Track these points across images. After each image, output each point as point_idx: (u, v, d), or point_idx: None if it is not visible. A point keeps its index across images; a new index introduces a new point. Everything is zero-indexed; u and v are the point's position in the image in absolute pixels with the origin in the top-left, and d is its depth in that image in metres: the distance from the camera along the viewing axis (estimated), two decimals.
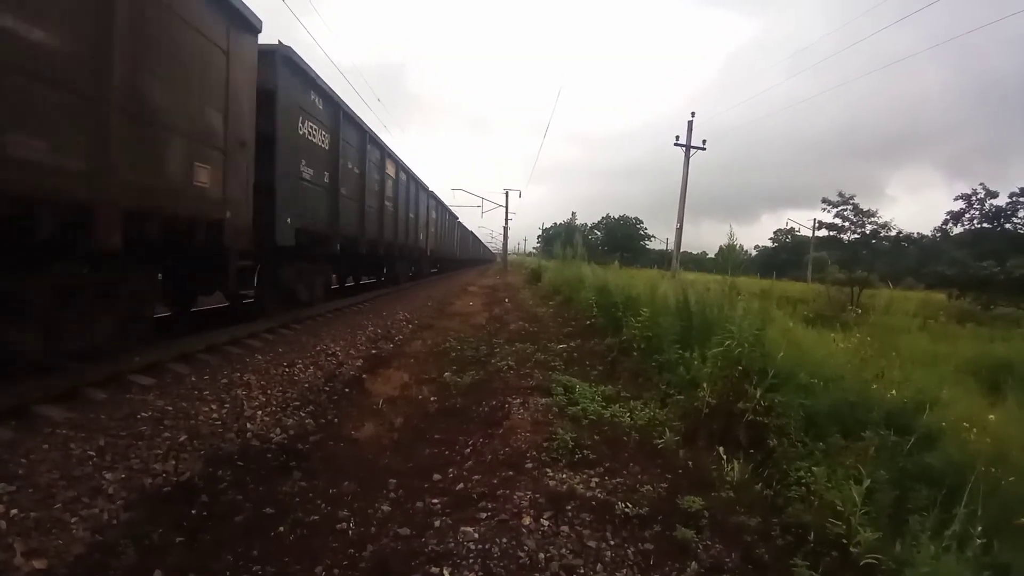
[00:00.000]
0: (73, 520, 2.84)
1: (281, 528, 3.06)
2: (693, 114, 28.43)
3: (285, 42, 7.82)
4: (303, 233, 8.68)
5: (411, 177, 18.38)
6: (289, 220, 8.15)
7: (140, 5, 4.78)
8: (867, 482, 3.05)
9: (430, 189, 22.91)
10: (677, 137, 28.24)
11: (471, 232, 58.41)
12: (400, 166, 16.41)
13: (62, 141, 4.05)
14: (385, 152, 14.44)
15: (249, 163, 6.97)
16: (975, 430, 3.23)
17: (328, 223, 10.08)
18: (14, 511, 2.78)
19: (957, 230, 35.52)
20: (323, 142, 9.65)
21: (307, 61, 8.48)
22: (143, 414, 4.21)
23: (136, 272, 5.62)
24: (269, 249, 7.88)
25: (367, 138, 12.30)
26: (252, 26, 6.83)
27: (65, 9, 4.04)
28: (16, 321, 4.25)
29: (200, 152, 5.87)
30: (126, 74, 4.63)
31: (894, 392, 3.95)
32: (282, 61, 7.89)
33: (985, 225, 33.12)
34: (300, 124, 8.58)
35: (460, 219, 42.13)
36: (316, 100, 9.28)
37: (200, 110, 5.87)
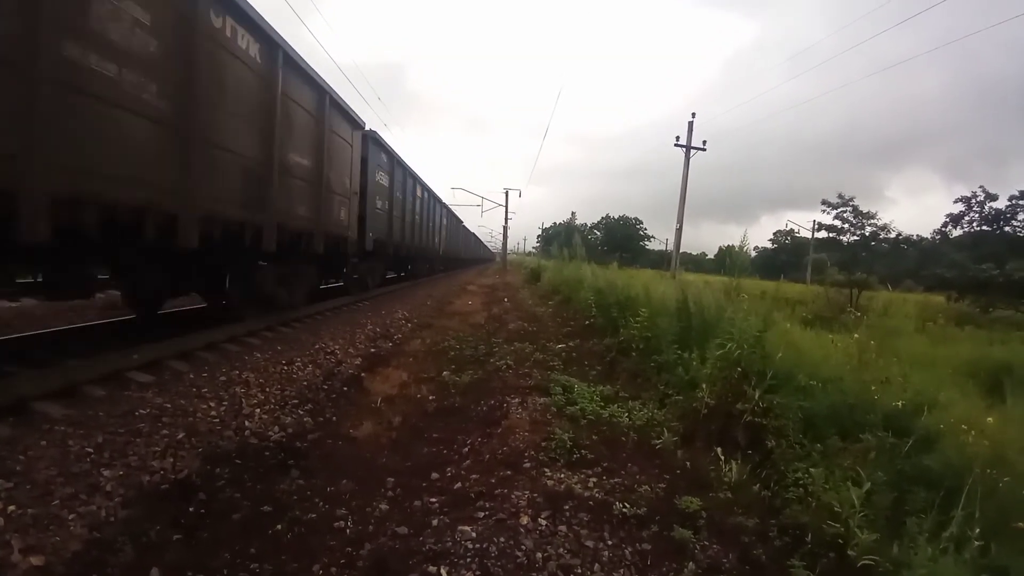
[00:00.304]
0: (71, 517, 2.83)
1: (279, 526, 3.06)
2: (694, 115, 28.45)
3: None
4: (376, 242, 13.30)
5: (431, 194, 22.90)
6: (371, 235, 12.76)
7: (329, 136, 9.28)
8: (867, 485, 3.06)
9: (443, 200, 27.81)
10: (677, 138, 28.28)
11: (472, 232, 58.43)
12: (424, 187, 20.66)
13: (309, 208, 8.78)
14: (416, 180, 18.91)
15: (356, 204, 11.43)
16: (973, 432, 3.23)
17: (386, 235, 14.51)
18: (12, 508, 2.77)
19: (956, 232, 35.42)
20: (385, 182, 14.21)
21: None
22: (141, 411, 4.20)
23: (311, 265, 10.09)
24: (359, 254, 12.31)
25: (406, 173, 16.88)
26: (360, 125, 11.53)
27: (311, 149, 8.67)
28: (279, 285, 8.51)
29: (342, 201, 10.39)
30: (324, 171, 9.15)
31: (893, 394, 3.96)
32: (371, 140, 12.77)
33: (984, 228, 33.05)
34: (376, 175, 13.26)
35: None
36: (383, 157, 14.11)
37: (341, 179, 10.33)
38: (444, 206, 29.19)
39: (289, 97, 7.60)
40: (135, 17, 4.47)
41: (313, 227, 8.82)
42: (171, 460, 3.62)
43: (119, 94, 4.35)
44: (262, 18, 6.43)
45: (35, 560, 2.49)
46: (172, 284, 7.23)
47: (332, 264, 11.88)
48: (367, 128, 12.32)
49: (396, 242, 15.66)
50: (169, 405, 4.43)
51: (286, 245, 7.87)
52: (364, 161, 12.00)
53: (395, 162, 15.36)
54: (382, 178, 13.98)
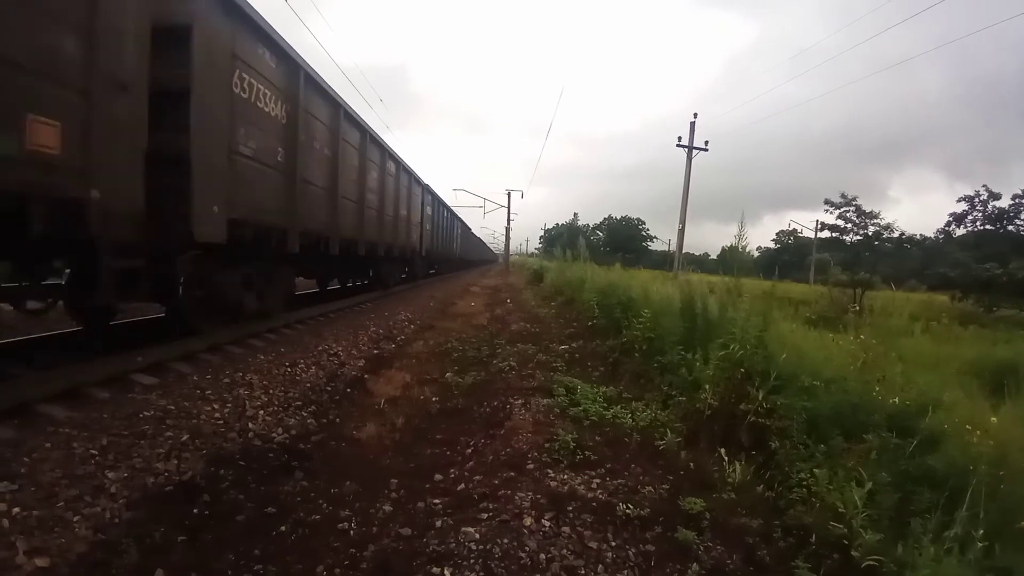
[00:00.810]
0: (76, 519, 2.85)
1: (283, 527, 3.07)
2: (696, 115, 28.39)
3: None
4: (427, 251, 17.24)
5: (451, 212, 21.35)
6: (425, 249, 18.12)
7: (409, 190, 16.09)
8: (868, 485, 3.05)
9: (425, 182, 20.49)
10: (680, 138, 28.25)
11: (473, 232, 58.42)
12: (447, 208, 20.96)
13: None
14: (442, 203, 18.61)
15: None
16: (977, 432, 3.22)
17: (430, 246, 20.11)
18: (16, 509, 2.78)
19: (960, 232, 35.36)
20: (430, 213, 20.26)
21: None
22: (146, 413, 4.22)
23: (393, 264, 16.71)
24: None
25: (438, 202, 20.22)
26: (422, 183, 18.30)
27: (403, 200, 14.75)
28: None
29: (415, 229, 17.88)
30: (396, 210, 14.58)
31: (896, 394, 3.95)
32: (425, 188, 19.43)
33: (988, 227, 32.97)
34: (426, 210, 18.77)
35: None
36: (430, 197, 19.97)
37: (413, 211, 16.97)
38: (428, 190, 22.05)
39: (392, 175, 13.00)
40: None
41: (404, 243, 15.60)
42: (175, 462, 3.64)
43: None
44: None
45: (40, 562, 2.50)
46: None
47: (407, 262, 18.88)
48: (424, 182, 18.62)
49: (430, 250, 20.04)
50: (173, 407, 4.44)
51: (404, 256, 16.36)
52: (423, 203, 18.63)
53: (436, 200, 20.52)
54: (428, 210, 19.31)
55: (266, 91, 7.07)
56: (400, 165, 15.56)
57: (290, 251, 8.05)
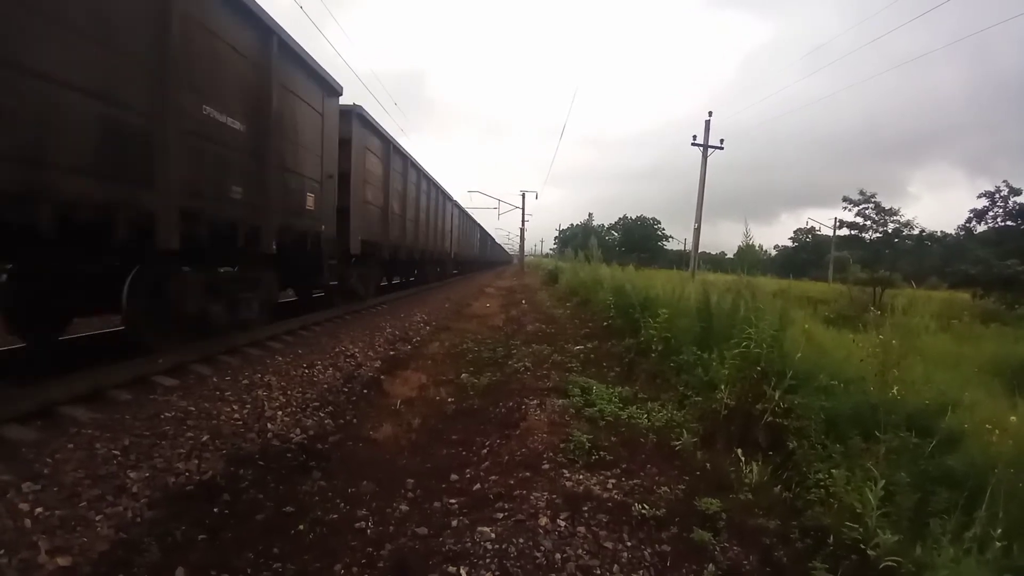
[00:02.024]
0: (98, 518, 2.90)
1: (301, 527, 3.10)
2: (711, 113, 28.20)
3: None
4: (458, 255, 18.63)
5: (441, 191, 22.09)
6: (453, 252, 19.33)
7: (441, 207, 20.51)
8: (881, 482, 3.03)
9: (454, 199, 25.90)
10: (695, 137, 28.08)
11: (489, 235, 58.55)
12: (433, 183, 19.77)
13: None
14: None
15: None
16: (997, 432, 3.18)
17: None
18: (39, 509, 2.84)
19: (981, 228, 34.73)
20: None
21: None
22: (167, 414, 4.28)
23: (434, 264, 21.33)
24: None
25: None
26: (451, 197, 21.95)
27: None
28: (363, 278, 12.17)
29: (447, 237, 21.98)
30: (437, 223, 19.81)
31: (916, 394, 3.91)
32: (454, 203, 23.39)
33: (1009, 223, 32.38)
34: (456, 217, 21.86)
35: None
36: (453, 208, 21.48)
37: (446, 222, 21.75)
38: (456, 204, 27.53)
39: (435, 199, 15.93)
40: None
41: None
42: (196, 462, 3.69)
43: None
44: None
45: (62, 561, 2.54)
46: None
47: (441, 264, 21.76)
48: (454, 198, 17.12)
49: (457, 253, 18.85)
50: (193, 408, 4.50)
51: (440, 259, 17.27)
52: (452, 215, 17.02)
53: (461, 211, 18.16)
54: (456, 221, 17.60)
55: (374, 160, 12.21)
56: (439, 189, 21.03)
57: (382, 257, 13.16)
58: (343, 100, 9.74)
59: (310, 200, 8.37)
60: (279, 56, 6.98)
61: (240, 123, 6.22)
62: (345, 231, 10.05)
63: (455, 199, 25.96)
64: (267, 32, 6.69)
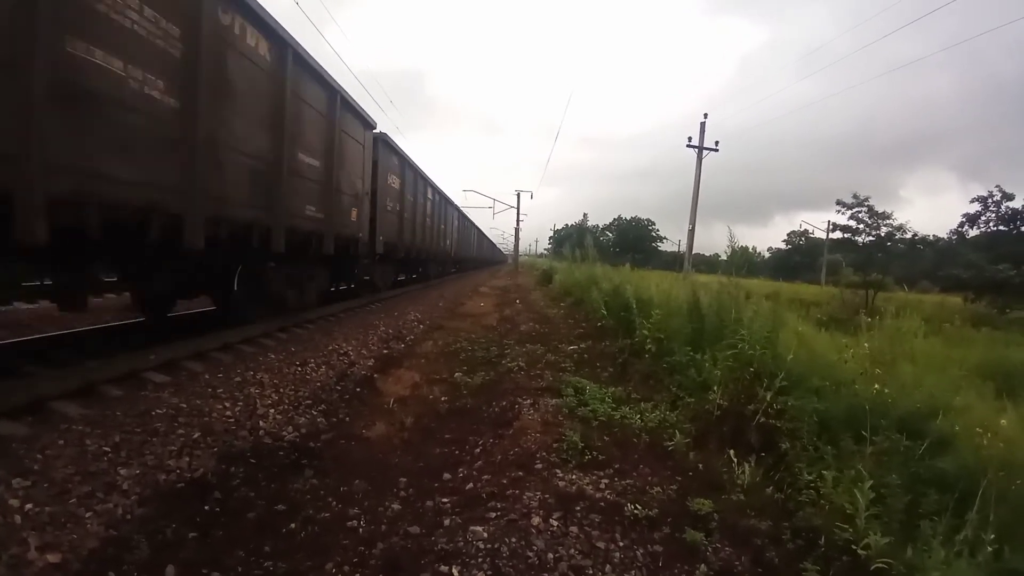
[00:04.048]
0: (88, 515, 2.87)
1: (292, 525, 3.09)
2: (706, 115, 28.29)
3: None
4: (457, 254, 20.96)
5: (443, 196, 23.94)
6: (453, 252, 22.73)
7: (442, 210, 22.98)
8: (869, 482, 3.04)
9: (455, 203, 28.30)
10: (689, 138, 28.18)
11: (484, 234, 58.59)
12: (436, 189, 21.72)
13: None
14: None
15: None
16: (988, 435, 3.20)
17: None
18: (29, 505, 2.82)
19: (973, 233, 34.93)
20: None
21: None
22: (158, 411, 4.26)
23: (435, 264, 23.82)
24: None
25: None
26: (452, 201, 23.95)
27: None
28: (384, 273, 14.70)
29: (448, 238, 24.77)
30: (440, 227, 22.30)
31: (907, 397, 3.93)
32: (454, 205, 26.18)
33: (1001, 228, 32.59)
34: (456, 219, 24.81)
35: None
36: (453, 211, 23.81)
37: (448, 225, 24.30)
38: (456, 208, 30.09)
39: (439, 205, 17.72)
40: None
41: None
42: (187, 459, 3.67)
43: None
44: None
45: (52, 557, 2.52)
46: None
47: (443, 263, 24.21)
48: (454, 202, 19.39)
49: (456, 253, 20.77)
50: (185, 405, 4.48)
51: (441, 258, 21.67)
52: (453, 218, 19.19)
53: (461, 214, 20.06)
54: (456, 223, 19.84)
55: (394, 176, 14.40)
56: (442, 195, 23.26)
57: (398, 256, 15.29)
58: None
59: (353, 213, 10.59)
60: (340, 108, 9.32)
61: (317, 161, 8.59)
62: (373, 236, 12.41)
63: (455, 203, 28.22)
64: (333, 92, 9.04)
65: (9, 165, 3.53)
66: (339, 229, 9.62)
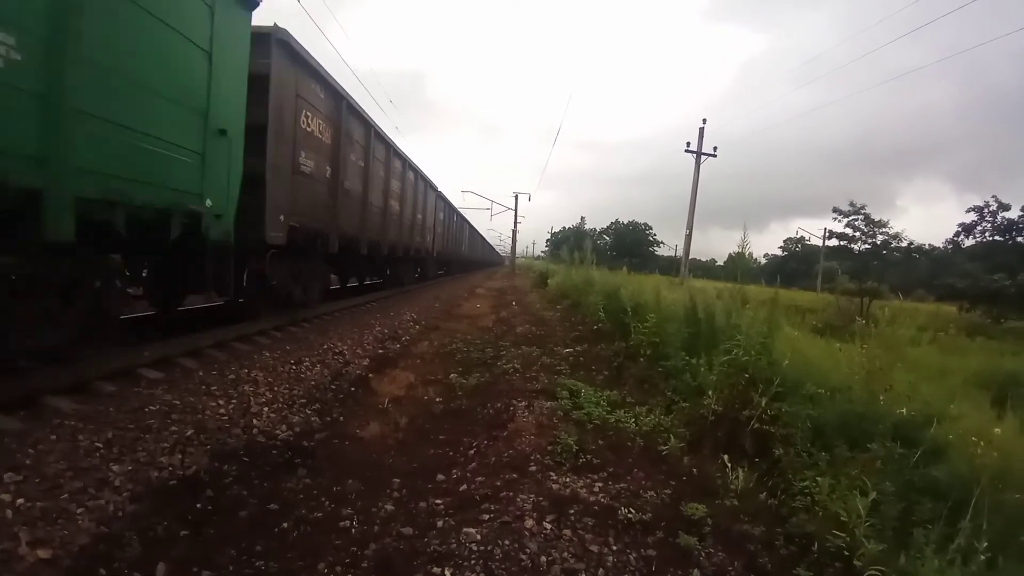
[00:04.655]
0: (79, 511, 2.86)
1: (285, 524, 3.08)
2: (705, 120, 28.50)
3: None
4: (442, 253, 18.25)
5: (425, 181, 18.73)
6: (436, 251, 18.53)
7: (421, 195, 18.27)
8: (872, 495, 3.04)
9: (439, 189, 22.38)
10: (688, 144, 28.23)
11: (480, 234, 58.55)
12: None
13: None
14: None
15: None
16: (982, 444, 3.20)
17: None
18: (20, 500, 2.80)
19: (969, 242, 35.15)
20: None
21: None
22: (151, 408, 4.24)
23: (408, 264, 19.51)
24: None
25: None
26: (436, 187, 19.56)
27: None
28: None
29: (428, 232, 19.91)
30: (413, 215, 17.62)
31: (901, 404, 3.93)
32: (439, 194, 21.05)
33: (997, 238, 32.80)
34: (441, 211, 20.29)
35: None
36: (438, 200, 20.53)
37: (427, 215, 19.07)
38: (441, 196, 23.64)
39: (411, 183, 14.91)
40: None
41: None
42: (179, 456, 3.65)
43: None
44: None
45: (42, 553, 2.51)
46: None
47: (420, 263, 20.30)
48: (439, 189, 18.36)
49: (441, 251, 17.94)
50: (178, 402, 4.46)
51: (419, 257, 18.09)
52: (436, 208, 18.16)
53: (448, 204, 17.04)
54: (441, 215, 16.85)
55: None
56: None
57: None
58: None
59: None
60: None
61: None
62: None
63: (440, 190, 22.72)
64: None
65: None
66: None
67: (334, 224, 9.80)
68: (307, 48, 7.83)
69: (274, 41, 7.13)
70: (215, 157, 5.68)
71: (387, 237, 13.82)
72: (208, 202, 5.61)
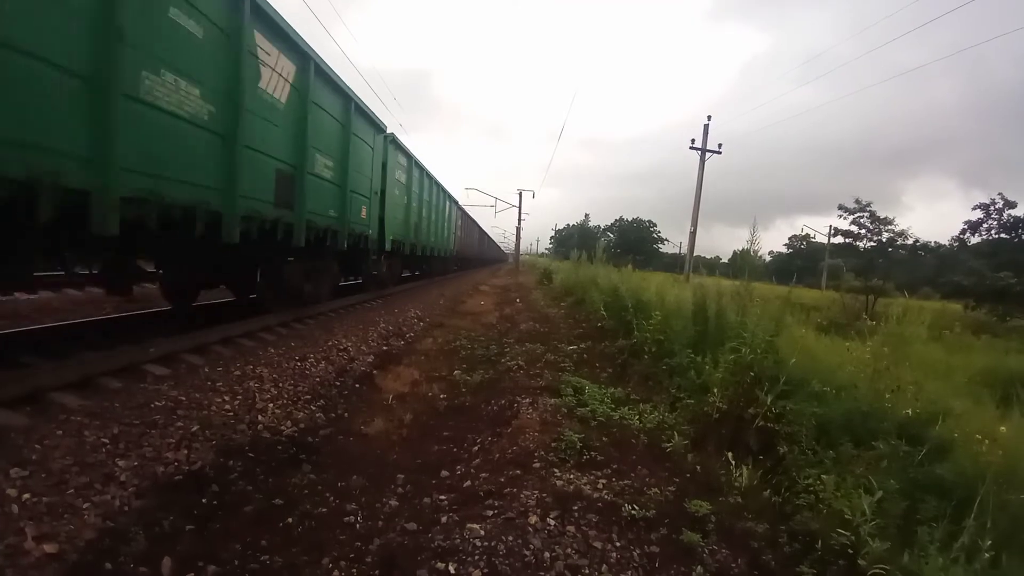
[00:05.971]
0: (85, 506, 2.87)
1: (290, 519, 3.09)
2: (709, 117, 28.25)
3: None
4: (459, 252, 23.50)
5: (447, 196, 23.97)
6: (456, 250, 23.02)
7: (446, 209, 23.02)
8: (879, 494, 3.03)
9: (460, 203, 29.56)
10: (692, 140, 28.16)
11: (486, 233, 58.67)
12: (442, 189, 22.04)
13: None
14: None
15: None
16: (987, 442, 3.20)
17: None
18: (27, 496, 2.81)
19: (975, 240, 34.99)
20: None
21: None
22: (157, 403, 4.26)
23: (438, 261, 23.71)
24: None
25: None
26: (456, 201, 25.12)
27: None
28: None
29: (452, 236, 25.15)
30: (441, 223, 22.04)
31: (907, 403, 3.93)
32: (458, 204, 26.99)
33: (1003, 236, 32.65)
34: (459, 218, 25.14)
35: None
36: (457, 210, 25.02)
37: (451, 223, 24.45)
38: (460, 207, 30.38)
39: (442, 202, 18.48)
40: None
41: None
42: (185, 452, 3.66)
43: None
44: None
45: (49, 548, 2.52)
46: None
47: (445, 260, 24.76)
48: (458, 202, 20.92)
49: (459, 251, 21.38)
50: (184, 398, 4.48)
51: (445, 255, 22.67)
52: (456, 216, 20.65)
53: (463, 212, 20.46)
54: (459, 222, 20.47)
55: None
56: (446, 193, 23.23)
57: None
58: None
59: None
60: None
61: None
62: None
63: (458, 201, 28.89)
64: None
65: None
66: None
67: (408, 238, 15.44)
68: (398, 137, 13.77)
69: (389, 142, 13.01)
70: (371, 206, 11.38)
71: (429, 242, 19.43)
72: (370, 230, 11.31)
